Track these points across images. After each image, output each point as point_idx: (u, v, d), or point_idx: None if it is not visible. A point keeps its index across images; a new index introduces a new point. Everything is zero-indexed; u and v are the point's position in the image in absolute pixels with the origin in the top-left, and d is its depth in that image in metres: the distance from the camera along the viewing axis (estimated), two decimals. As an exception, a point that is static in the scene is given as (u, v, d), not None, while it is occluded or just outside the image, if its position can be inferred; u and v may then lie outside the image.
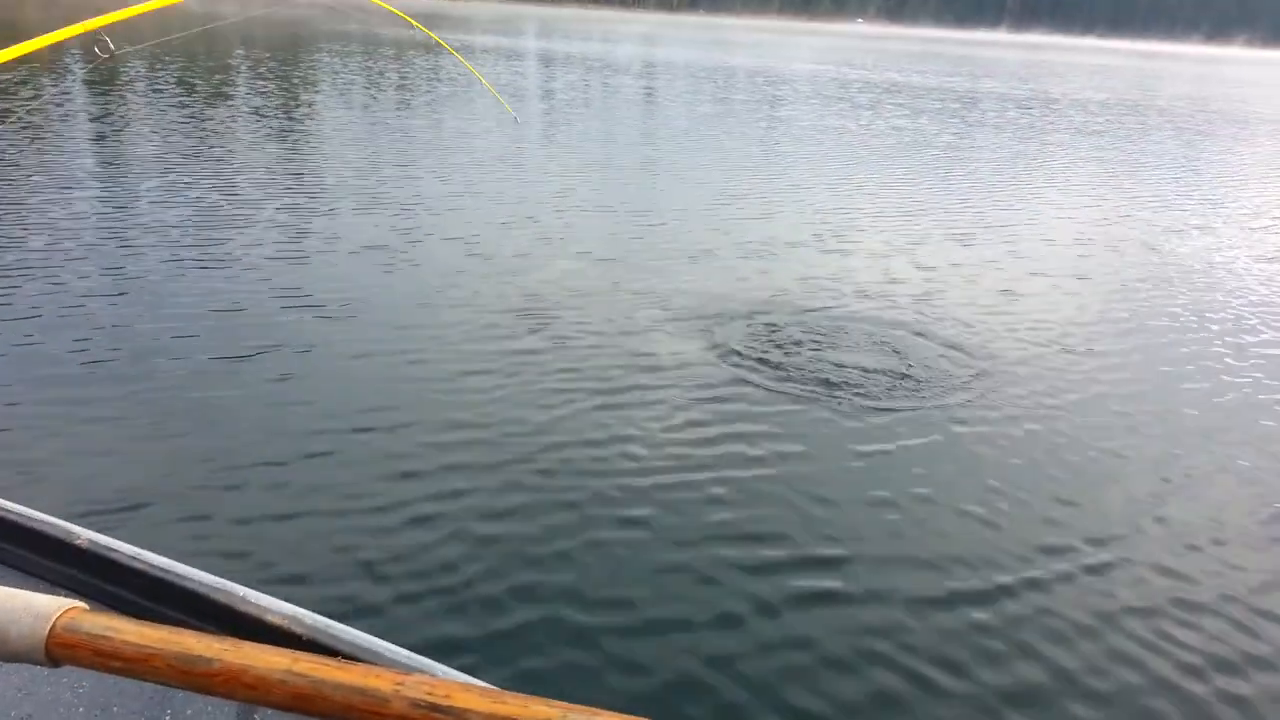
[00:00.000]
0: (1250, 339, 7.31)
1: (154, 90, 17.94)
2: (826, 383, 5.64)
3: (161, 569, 1.06)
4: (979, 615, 3.55)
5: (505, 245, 8.52)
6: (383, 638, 0.99)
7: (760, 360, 5.96)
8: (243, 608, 1.01)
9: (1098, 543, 4.15)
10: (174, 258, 7.46)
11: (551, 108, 21.20)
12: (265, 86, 20.21)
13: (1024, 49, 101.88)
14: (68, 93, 16.60)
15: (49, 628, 0.70)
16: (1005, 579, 3.80)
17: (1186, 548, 4.19)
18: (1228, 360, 6.77)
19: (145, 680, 0.68)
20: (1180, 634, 3.54)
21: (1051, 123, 24.58)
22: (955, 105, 27.49)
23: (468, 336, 6.18)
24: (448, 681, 0.65)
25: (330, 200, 9.79)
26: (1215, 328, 7.55)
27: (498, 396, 5.29)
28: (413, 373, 5.59)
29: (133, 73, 20.26)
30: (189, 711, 1.08)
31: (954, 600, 3.64)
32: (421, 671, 0.86)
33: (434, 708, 0.63)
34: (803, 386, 5.59)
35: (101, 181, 9.98)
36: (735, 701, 3.03)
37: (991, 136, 20.81)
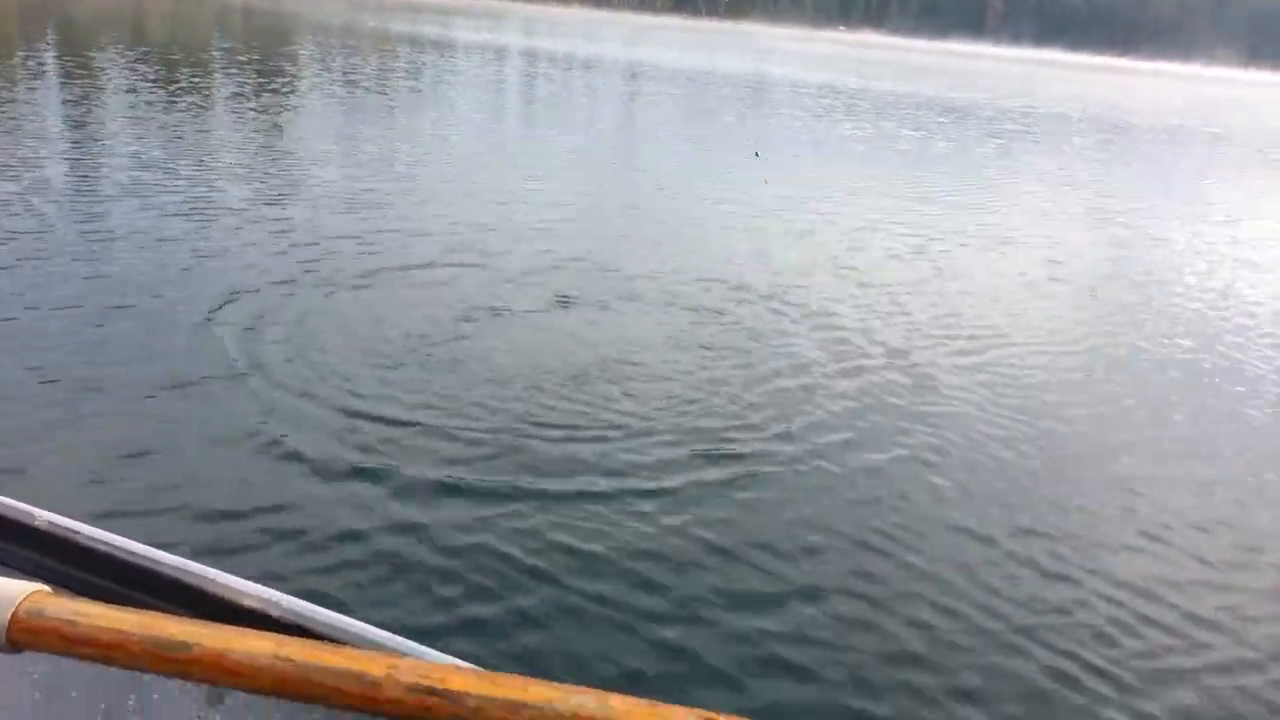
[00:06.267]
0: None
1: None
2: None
3: (126, 551, 0.99)
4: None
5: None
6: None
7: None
8: (214, 590, 0.95)
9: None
10: (152, 231, 7.76)
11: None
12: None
13: (999, 62, 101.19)
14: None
15: (10, 612, 0.67)
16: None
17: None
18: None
19: (116, 665, 0.66)
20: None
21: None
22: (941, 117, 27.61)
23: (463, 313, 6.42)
24: (443, 665, 0.63)
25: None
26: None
27: (478, 378, 5.33)
28: (392, 357, 5.55)
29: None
30: (156, 696, 1.02)
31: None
32: (411, 655, 0.82)
33: (430, 691, 0.61)
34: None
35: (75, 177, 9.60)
36: (733, 683, 3.14)
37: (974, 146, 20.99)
